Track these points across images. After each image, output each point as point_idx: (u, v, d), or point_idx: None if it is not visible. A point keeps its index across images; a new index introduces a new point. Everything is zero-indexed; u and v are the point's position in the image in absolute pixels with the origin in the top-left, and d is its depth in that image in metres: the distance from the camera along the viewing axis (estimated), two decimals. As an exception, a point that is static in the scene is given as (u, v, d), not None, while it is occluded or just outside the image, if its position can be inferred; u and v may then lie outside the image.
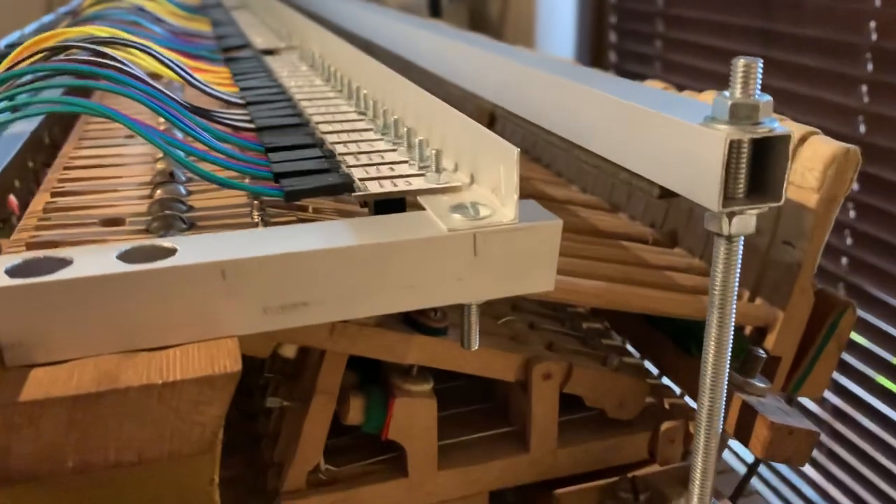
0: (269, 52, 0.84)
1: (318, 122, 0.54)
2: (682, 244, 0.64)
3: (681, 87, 0.65)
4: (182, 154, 0.41)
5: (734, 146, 0.38)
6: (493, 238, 0.40)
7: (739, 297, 0.56)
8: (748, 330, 0.55)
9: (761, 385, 0.50)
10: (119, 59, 0.45)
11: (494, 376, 0.50)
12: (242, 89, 0.63)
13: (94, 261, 0.36)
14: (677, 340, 0.55)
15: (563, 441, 0.52)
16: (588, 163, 0.52)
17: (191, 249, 0.37)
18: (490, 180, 0.43)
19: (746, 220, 0.41)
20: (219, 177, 0.41)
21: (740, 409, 0.48)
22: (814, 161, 0.52)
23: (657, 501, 0.49)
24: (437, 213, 0.40)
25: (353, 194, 0.43)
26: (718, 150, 0.38)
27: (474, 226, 0.39)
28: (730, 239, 0.41)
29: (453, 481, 0.51)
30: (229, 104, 0.57)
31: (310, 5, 1.31)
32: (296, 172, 0.44)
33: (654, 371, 0.60)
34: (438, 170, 0.45)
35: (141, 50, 0.51)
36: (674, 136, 0.42)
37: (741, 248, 0.42)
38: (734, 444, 0.64)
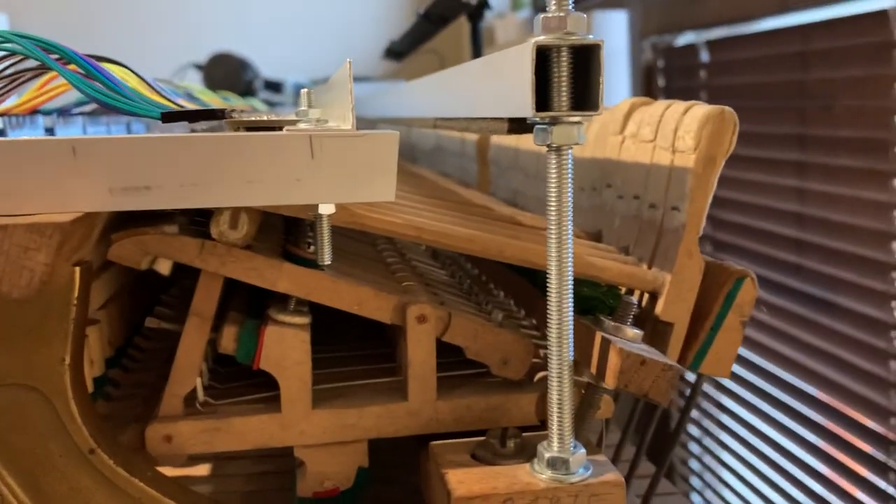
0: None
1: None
2: (605, 241, 0.65)
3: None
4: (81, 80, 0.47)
5: (544, 53, 0.41)
6: (329, 143, 0.43)
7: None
8: (643, 299, 0.55)
9: (633, 331, 0.49)
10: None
11: (369, 315, 0.51)
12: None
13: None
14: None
15: (445, 394, 0.53)
16: (462, 130, 0.56)
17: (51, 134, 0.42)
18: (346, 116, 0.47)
19: (568, 130, 0.43)
20: (105, 96, 0.47)
21: (599, 345, 0.48)
22: (691, 123, 0.54)
23: (526, 448, 0.48)
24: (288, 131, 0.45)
25: (224, 120, 0.48)
26: (527, 56, 0.41)
27: (311, 130, 0.43)
28: (558, 151, 0.43)
29: (327, 423, 0.51)
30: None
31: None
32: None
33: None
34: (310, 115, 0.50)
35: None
36: (503, 66, 0.46)
37: (570, 161, 0.44)
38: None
